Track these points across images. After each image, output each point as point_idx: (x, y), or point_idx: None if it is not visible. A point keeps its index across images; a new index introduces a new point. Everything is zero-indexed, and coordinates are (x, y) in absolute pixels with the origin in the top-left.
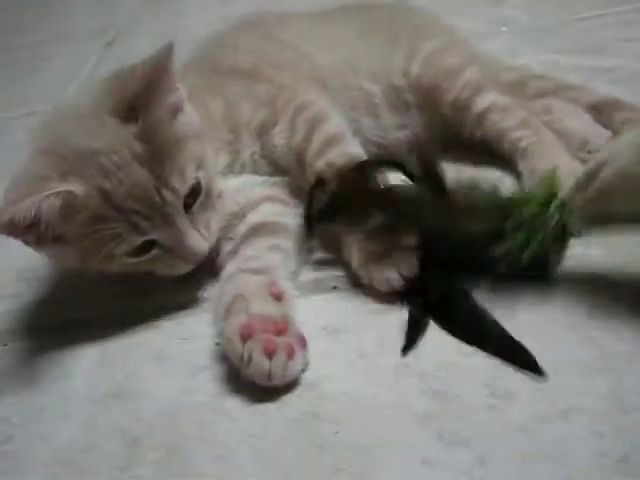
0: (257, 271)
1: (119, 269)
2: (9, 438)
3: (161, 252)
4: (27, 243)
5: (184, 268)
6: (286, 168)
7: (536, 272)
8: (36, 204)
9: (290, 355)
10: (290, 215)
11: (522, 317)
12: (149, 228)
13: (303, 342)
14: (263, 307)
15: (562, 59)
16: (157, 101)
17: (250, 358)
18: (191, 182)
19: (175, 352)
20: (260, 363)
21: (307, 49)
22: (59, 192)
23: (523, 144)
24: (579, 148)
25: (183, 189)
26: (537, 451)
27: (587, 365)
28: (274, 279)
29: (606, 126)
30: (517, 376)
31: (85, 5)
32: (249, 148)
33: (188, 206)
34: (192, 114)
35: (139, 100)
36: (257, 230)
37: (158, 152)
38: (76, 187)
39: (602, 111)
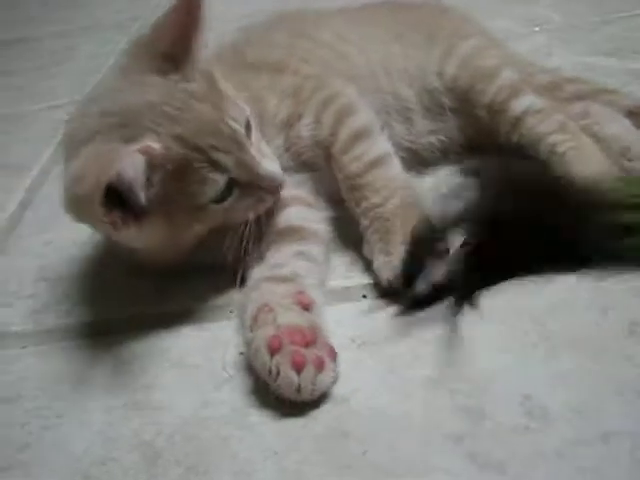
0: (284, 279)
1: (207, 226)
2: (26, 446)
3: (242, 191)
4: (114, 224)
5: (268, 201)
6: (310, 162)
7: None
8: (121, 163)
9: (319, 368)
10: (317, 219)
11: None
12: (229, 163)
13: (333, 354)
14: (291, 318)
15: (597, 61)
16: (192, 42)
17: (278, 372)
18: (246, 112)
19: (197, 361)
20: (289, 377)
21: (343, 49)
22: (139, 149)
23: (561, 149)
24: (620, 154)
25: (242, 118)
26: (575, 478)
27: (629, 386)
28: (302, 288)
29: None
30: (553, 394)
31: None
32: (273, 142)
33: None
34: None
35: (173, 48)
36: (284, 235)
37: (207, 87)
38: (152, 141)
39: (637, 116)
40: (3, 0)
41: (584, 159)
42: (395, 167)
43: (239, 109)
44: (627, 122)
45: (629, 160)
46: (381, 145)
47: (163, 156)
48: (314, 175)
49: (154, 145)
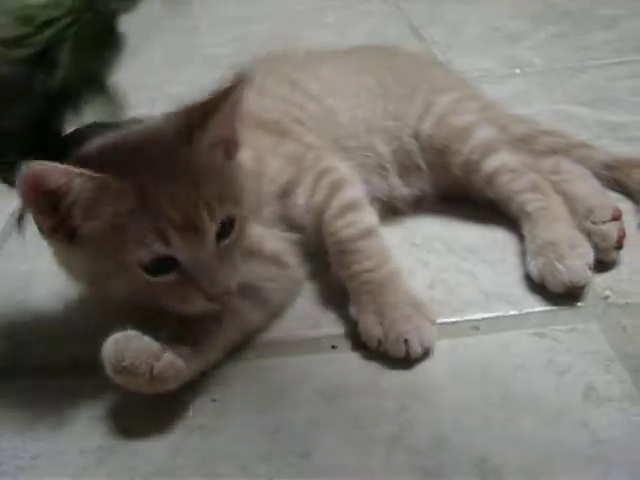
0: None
1: (127, 288)
2: None
3: (180, 279)
4: (41, 227)
5: (199, 304)
6: (301, 226)
7: None
8: (71, 175)
9: None
10: (278, 283)
11: None
12: (177, 242)
13: None
14: None
15: (573, 110)
16: (217, 124)
17: None
18: (228, 213)
19: (172, 406)
20: None
21: (330, 103)
22: (96, 177)
23: (529, 208)
24: (584, 216)
25: (220, 215)
26: None
27: (579, 453)
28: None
29: (620, 185)
30: (509, 456)
31: None
32: (267, 208)
33: (217, 240)
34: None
35: (200, 120)
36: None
37: (206, 170)
38: (114, 178)
39: (615, 170)
40: None
41: (550, 220)
42: (382, 239)
43: (222, 207)
44: (595, 183)
45: (592, 223)
46: (370, 218)
47: (116, 195)
48: (298, 235)
49: (113, 182)
